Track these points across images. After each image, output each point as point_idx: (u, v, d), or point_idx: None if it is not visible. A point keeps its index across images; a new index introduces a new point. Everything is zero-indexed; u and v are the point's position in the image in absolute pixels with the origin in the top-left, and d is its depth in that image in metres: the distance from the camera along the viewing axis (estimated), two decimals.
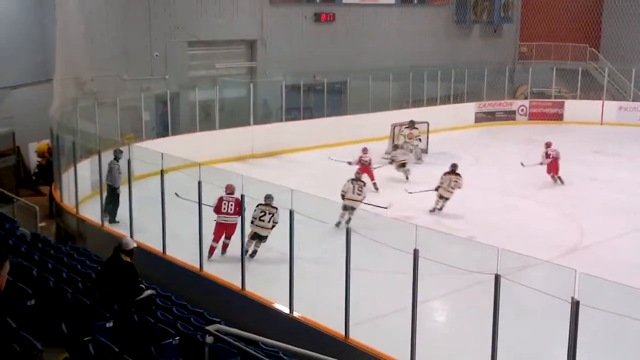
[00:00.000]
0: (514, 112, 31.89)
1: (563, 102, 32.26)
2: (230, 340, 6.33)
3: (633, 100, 32.02)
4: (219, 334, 6.14)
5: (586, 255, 14.69)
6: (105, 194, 15.87)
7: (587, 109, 31.38)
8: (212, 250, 13.57)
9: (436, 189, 18.05)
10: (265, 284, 11.72)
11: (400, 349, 9.11)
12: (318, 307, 10.96)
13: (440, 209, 17.94)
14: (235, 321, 10.34)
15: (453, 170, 18.27)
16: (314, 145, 24.78)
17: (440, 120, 27.43)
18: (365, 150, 20.42)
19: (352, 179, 16.81)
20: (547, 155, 21.09)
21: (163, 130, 23.17)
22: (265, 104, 26.67)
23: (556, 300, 7.28)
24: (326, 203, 11.22)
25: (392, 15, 31.28)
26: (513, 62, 35.21)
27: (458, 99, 30.91)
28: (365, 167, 19.76)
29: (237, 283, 11.53)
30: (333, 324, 10.06)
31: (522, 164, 21.29)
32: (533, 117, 31.87)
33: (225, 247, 13.94)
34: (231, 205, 13.67)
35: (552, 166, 20.99)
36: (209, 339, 6.08)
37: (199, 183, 12.19)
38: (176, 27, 24.62)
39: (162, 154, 13.12)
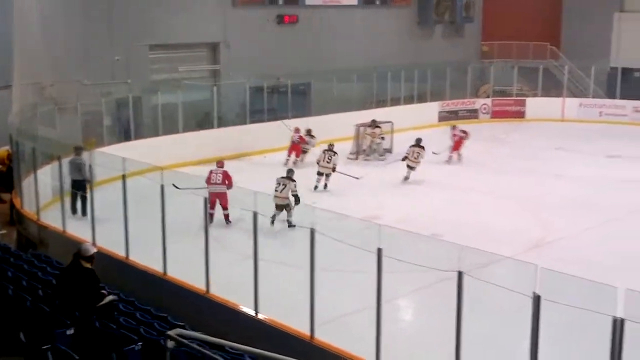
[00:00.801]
0: (476, 111, 32.18)
1: (525, 99, 32.64)
2: (193, 344, 6.26)
3: (593, 97, 32.53)
4: (180, 338, 6.07)
5: (549, 251, 14.84)
6: (65, 193, 15.76)
7: (548, 106, 31.79)
8: (210, 216, 14.65)
9: (403, 159, 21.38)
10: (231, 287, 11.63)
11: (365, 347, 9.11)
12: (284, 309, 10.92)
13: (408, 177, 21.10)
14: (201, 325, 10.28)
15: (417, 144, 21.43)
16: (279, 147, 24.72)
17: (404, 120, 27.53)
18: (297, 130, 22.75)
19: (325, 150, 20.33)
20: (453, 136, 23.95)
21: (125, 135, 22.93)
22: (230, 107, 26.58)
23: (520, 296, 7.34)
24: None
25: (355, 16, 31.37)
26: (475, 62, 35.52)
27: (422, 98, 31.09)
28: (295, 145, 22.58)
29: (201, 286, 11.44)
30: (299, 325, 10.03)
31: (433, 153, 22.37)
32: (496, 115, 32.18)
33: (226, 217, 16.08)
34: (219, 176, 16.11)
35: (457, 145, 23.79)
36: (170, 344, 6.01)
37: (162, 187, 12.07)
38: (137, 31, 24.39)
39: (123, 159, 12.97)
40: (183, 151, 22.10)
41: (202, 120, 25.08)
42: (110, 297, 9.21)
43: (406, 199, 19.38)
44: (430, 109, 30.69)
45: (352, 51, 30.64)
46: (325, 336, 9.80)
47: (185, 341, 6.12)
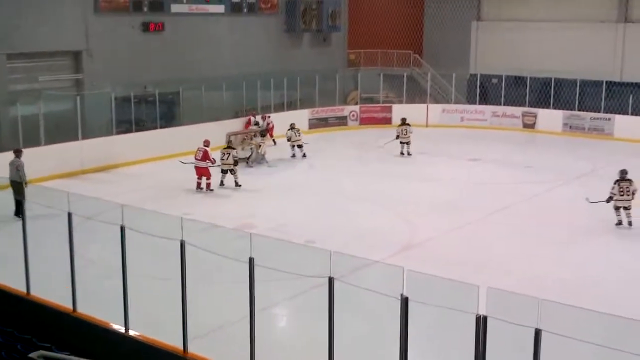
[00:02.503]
0: (345, 118, 32.81)
1: (391, 106, 33.60)
2: None
3: (455, 103, 33.96)
4: None
5: (416, 253, 15.32)
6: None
7: (413, 112, 32.72)
8: (197, 184, 20.86)
9: (396, 138, 25.93)
10: (99, 303, 11.24)
11: (240, 358, 9.06)
12: (156, 324, 10.69)
13: (410, 153, 25.87)
14: (69, 345, 9.91)
15: (404, 122, 26.14)
16: (148, 158, 24.24)
17: (276, 127, 27.84)
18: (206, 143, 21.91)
19: (290, 128, 25.80)
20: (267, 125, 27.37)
21: None
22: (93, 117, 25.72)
23: (391, 298, 7.52)
24: (159, 217, 10.95)
25: (223, 24, 31.19)
26: (343, 69, 36.23)
27: (292, 106, 31.35)
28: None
29: (68, 304, 11.00)
30: (172, 339, 9.83)
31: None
32: (364, 121, 32.94)
33: (208, 185, 20.81)
34: (200, 153, 20.87)
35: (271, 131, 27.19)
36: None
37: (22, 203, 11.52)
38: None
39: None
40: (45, 165, 21.19)
41: (65, 132, 24.10)
42: None
43: (279, 205, 19.46)
44: (301, 116, 30.98)
45: (220, 59, 30.45)
46: (199, 350, 9.66)
47: None
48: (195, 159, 20.86)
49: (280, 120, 28.68)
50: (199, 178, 20.79)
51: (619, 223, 17.14)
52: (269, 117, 28.55)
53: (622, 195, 17.02)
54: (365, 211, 18.84)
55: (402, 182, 22.00)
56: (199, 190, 20.80)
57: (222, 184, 21.41)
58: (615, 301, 12.36)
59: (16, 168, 17.95)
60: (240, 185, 21.22)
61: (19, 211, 15.62)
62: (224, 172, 21.45)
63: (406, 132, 25.96)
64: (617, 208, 17.16)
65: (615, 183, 17.19)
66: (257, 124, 27.98)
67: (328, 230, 16.62)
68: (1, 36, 23.25)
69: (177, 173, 22.71)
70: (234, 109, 29.46)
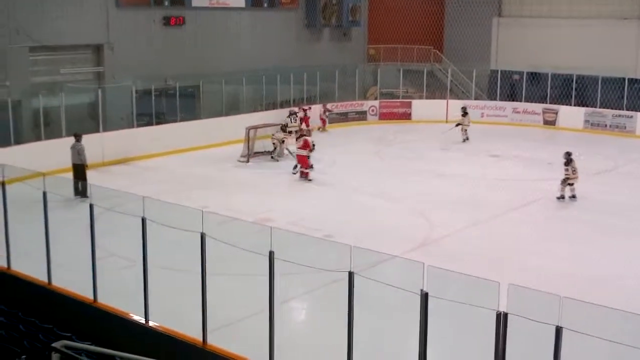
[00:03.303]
0: (365, 113, 32.77)
1: (411, 101, 33.51)
2: (81, 356, 6.06)
3: (475, 99, 33.80)
4: (67, 350, 5.86)
5: (435, 249, 15.30)
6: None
7: (433, 108, 32.78)
8: (303, 174, 21.46)
9: (457, 125, 28.24)
10: (119, 294, 11.34)
11: (259, 351, 9.10)
12: (175, 315, 10.76)
13: (467, 138, 28.09)
14: (89, 335, 10.00)
15: (465, 112, 28.40)
16: (168, 151, 24.34)
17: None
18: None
19: (291, 114, 27.12)
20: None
21: (4, 140, 21.90)
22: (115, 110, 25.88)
23: (409, 293, 7.52)
24: (179, 209, 11.01)
25: (243, 18, 31.26)
26: (362, 64, 36.17)
27: (311, 100, 31.35)
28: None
29: (88, 295, 11.10)
30: (191, 331, 9.90)
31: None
32: (383, 117, 32.88)
33: (302, 174, 21.52)
34: (300, 141, 21.57)
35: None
36: (56, 356, 5.78)
37: (44, 194, 11.64)
38: (16, 32, 23.36)
39: (2, 165, 12.41)
40: (67, 156, 21.33)
41: (86, 124, 24.28)
42: None
43: (297, 200, 19.50)
44: (320, 111, 30.96)
45: (240, 53, 30.51)
46: (218, 341, 9.72)
47: (72, 353, 5.91)
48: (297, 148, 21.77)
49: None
50: (304, 167, 21.55)
51: (562, 197, 19.33)
52: (309, 108, 29.30)
53: (574, 173, 19.32)
54: (383, 207, 18.82)
55: (421, 178, 21.95)
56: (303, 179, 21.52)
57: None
58: (636, 299, 12.28)
59: (77, 152, 19.02)
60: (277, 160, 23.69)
61: (79, 192, 17.26)
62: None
63: (469, 121, 28.42)
64: (568, 184, 19.35)
65: (567, 165, 19.36)
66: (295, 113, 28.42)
67: (345, 225, 16.61)
68: (24, 29, 23.44)
69: (196, 166, 22.85)
70: (253, 103, 29.51)
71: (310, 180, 21.34)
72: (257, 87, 29.48)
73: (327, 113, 30.84)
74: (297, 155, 21.73)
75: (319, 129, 29.70)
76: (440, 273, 7.45)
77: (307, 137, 22.02)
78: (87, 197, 16.80)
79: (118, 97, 25.35)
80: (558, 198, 19.35)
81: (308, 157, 21.54)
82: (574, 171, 19.38)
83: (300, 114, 28.24)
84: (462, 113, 28.70)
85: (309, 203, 19.11)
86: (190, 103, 27.99)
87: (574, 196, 19.41)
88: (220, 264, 10.54)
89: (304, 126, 27.35)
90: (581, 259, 14.91)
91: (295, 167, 22.12)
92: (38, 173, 12.63)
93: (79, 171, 18.98)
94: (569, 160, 19.49)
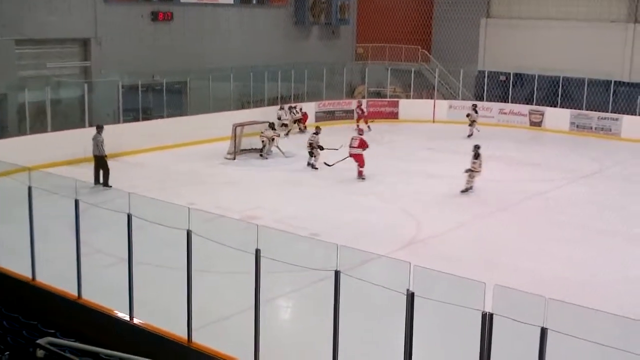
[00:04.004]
0: (352, 111, 32.74)
1: (398, 101, 33.56)
2: (65, 353, 6.01)
3: (462, 99, 33.90)
4: (51, 347, 5.81)
5: (421, 249, 15.31)
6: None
7: (420, 107, 32.85)
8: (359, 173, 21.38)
9: (470, 124, 29.47)
10: (104, 291, 11.28)
11: (244, 349, 9.08)
12: (160, 313, 10.71)
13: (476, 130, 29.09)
14: (73, 332, 9.93)
15: (474, 108, 29.82)
16: (154, 147, 24.24)
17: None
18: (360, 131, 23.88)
19: (283, 107, 27.83)
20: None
21: None
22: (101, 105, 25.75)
23: (396, 293, 7.52)
24: (166, 206, 10.97)
25: (232, 15, 31.20)
26: (350, 63, 36.19)
27: (299, 98, 31.32)
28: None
29: (73, 291, 11.03)
30: (176, 329, 9.86)
31: (326, 164, 22.71)
32: (370, 115, 32.80)
33: (360, 173, 21.52)
34: (355, 141, 21.54)
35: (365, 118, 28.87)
36: (40, 353, 5.73)
37: (29, 189, 11.55)
38: (2, 25, 23.19)
39: None
40: (52, 151, 21.22)
41: (72, 119, 24.15)
42: None
43: (284, 198, 19.46)
44: (308, 109, 30.94)
45: (228, 50, 30.45)
46: (203, 339, 9.69)
47: (57, 350, 5.87)
48: (350, 145, 21.63)
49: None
50: (361, 166, 21.44)
51: (467, 190, 19.87)
52: (300, 108, 29.80)
53: (480, 167, 19.97)
54: (370, 206, 18.83)
55: (408, 177, 21.97)
56: (360, 178, 21.55)
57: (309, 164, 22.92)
58: (623, 301, 12.34)
59: (96, 144, 19.59)
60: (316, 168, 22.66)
61: (99, 181, 19.28)
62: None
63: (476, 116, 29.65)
64: (472, 177, 19.90)
65: (475, 158, 20.01)
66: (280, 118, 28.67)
67: (332, 223, 16.60)
68: (10, 22, 23.27)
69: (182, 163, 22.77)
70: (240, 100, 29.46)
71: (363, 179, 21.41)
72: (244, 84, 29.44)
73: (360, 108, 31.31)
74: (353, 154, 21.53)
75: (366, 123, 30.20)
76: (426, 273, 7.46)
77: (362, 137, 21.91)
78: (109, 186, 19.12)
79: (105, 92, 25.23)
80: (463, 191, 19.82)
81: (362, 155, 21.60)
82: (480, 165, 19.90)
83: (298, 116, 29.07)
84: (473, 109, 29.80)
85: (296, 201, 19.08)
86: (177, 99, 27.90)
87: (471, 187, 19.99)
88: (207, 262, 10.53)
89: (362, 125, 28.08)
90: (569, 261, 14.93)
91: (308, 164, 22.63)
92: (23, 168, 12.54)
93: (99, 162, 19.63)
94: (477, 153, 19.99)
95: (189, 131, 25.36)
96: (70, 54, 25.99)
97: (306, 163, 22.87)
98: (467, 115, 29.91)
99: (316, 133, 23.20)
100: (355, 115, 31.05)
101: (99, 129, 20.10)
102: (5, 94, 22.76)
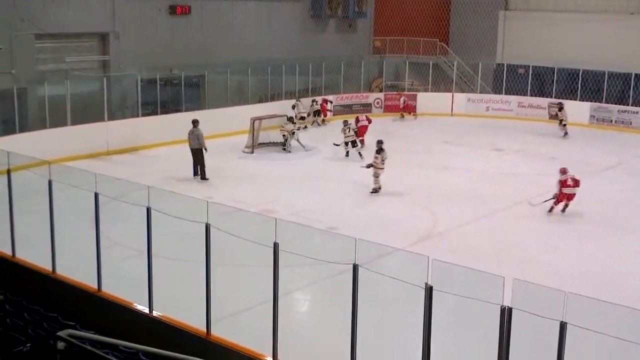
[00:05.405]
0: (370, 105, 32.69)
1: (416, 94, 33.42)
2: (85, 345, 6.08)
3: (480, 93, 33.72)
4: (71, 339, 5.88)
5: (439, 242, 15.29)
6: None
7: (438, 100, 32.72)
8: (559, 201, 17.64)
9: (561, 124, 28.25)
10: (124, 284, 11.36)
11: (262, 342, 9.12)
12: (179, 305, 10.78)
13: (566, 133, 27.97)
14: (93, 324, 10.02)
15: (560, 107, 28.56)
16: (172, 141, 24.32)
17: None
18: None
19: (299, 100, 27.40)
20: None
21: (9, 127, 21.92)
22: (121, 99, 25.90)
23: (413, 287, 7.51)
24: (184, 199, 11.02)
25: (249, 8, 31.23)
26: (368, 56, 36.09)
27: (316, 92, 31.30)
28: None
29: (93, 284, 11.12)
30: (195, 321, 9.91)
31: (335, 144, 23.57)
32: (388, 109, 32.79)
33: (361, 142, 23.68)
34: (571, 180, 17.58)
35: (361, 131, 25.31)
36: (61, 345, 5.80)
37: (50, 182, 11.64)
38: (22, 19, 23.35)
39: (7, 152, 12.41)
40: (72, 145, 21.37)
41: (91, 113, 24.29)
42: None
43: (301, 191, 19.48)
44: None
45: (246, 44, 30.48)
46: (221, 332, 9.73)
47: (77, 342, 5.94)
48: (566, 185, 17.65)
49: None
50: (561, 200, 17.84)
51: (376, 190, 19.15)
52: (326, 101, 30.13)
53: (382, 163, 19.24)
54: (386, 199, 18.81)
55: (425, 171, 21.93)
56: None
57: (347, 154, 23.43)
58: None
59: (197, 137, 20.12)
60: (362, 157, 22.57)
61: (197, 173, 20.02)
62: (346, 144, 23.48)
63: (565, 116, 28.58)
64: (377, 175, 19.17)
65: (378, 153, 19.30)
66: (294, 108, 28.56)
67: (349, 217, 16.62)
68: (30, 17, 23.42)
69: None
70: (258, 94, 29.50)
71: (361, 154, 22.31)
72: (262, 78, 29.47)
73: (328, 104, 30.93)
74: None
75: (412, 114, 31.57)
76: (444, 267, 7.44)
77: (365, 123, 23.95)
78: (206, 179, 19.88)
79: (123, 86, 25.36)
80: (372, 192, 19.19)
81: None
82: (382, 161, 19.28)
83: (316, 107, 29.30)
84: (558, 108, 29.05)
85: (313, 194, 19.10)
86: (195, 93, 27.99)
87: (379, 187, 19.23)
88: (225, 255, 10.56)
89: (408, 117, 30.25)
90: (586, 255, 14.87)
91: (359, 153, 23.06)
92: (43, 161, 12.63)
93: (197, 155, 20.07)
94: (380, 149, 19.48)
95: (207, 125, 25.33)
96: (88, 48, 26.14)
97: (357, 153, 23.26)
98: (555, 116, 29.40)
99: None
100: (402, 104, 31.90)
101: (196, 123, 20.50)
102: (25, 88, 22.92)
